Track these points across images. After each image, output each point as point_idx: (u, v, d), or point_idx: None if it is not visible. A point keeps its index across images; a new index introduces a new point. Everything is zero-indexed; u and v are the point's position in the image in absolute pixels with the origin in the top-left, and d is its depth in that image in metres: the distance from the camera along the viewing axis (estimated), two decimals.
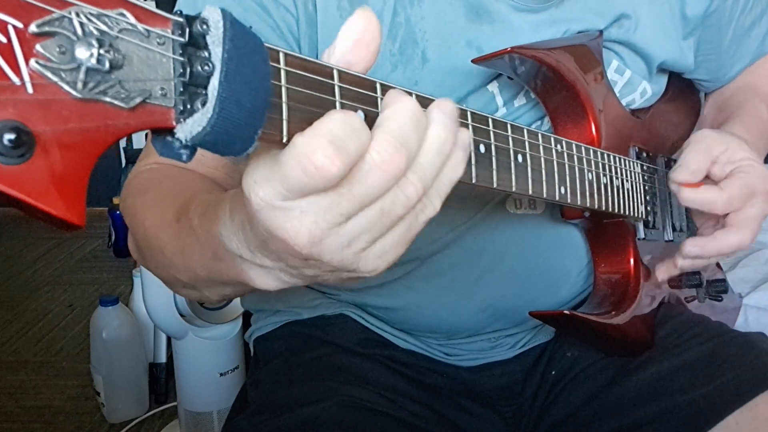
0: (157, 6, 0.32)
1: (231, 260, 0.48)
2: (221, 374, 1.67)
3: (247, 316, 1.57)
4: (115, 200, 3.06)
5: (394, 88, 0.43)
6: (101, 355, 1.92)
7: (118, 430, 1.96)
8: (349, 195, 0.38)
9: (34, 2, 0.27)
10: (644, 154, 0.85)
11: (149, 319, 1.70)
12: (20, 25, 0.27)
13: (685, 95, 1.00)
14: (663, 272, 0.82)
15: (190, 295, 0.64)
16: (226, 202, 0.48)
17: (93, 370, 1.97)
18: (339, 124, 0.36)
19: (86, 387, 2.13)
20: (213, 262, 0.52)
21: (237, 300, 1.67)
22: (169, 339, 1.95)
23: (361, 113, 0.41)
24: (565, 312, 0.75)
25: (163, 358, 2.02)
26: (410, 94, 0.43)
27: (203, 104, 0.32)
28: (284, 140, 0.36)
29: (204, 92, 0.32)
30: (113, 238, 3.18)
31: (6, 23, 0.27)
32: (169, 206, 0.60)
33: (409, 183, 0.40)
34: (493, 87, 0.77)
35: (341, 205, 0.38)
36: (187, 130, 0.32)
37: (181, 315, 1.60)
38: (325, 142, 0.35)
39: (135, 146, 2.86)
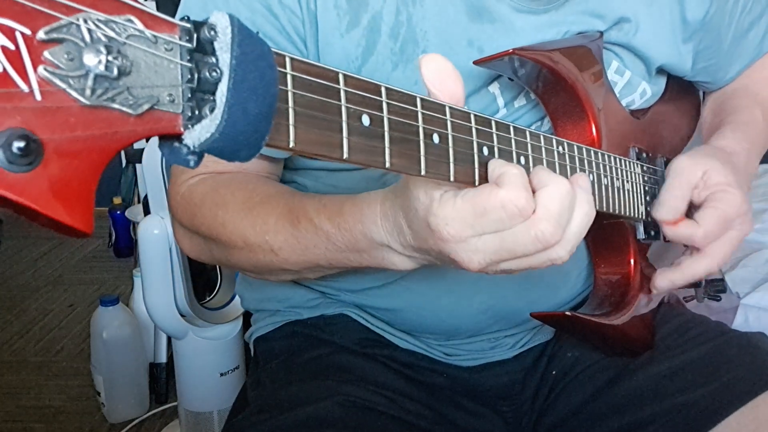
0: (158, 8, 0.32)
1: (373, 250, 0.60)
2: (221, 374, 1.66)
3: (247, 316, 1.57)
4: (116, 200, 3.06)
5: (400, 92, 0.43)
6: (102, 355, 1.93)
7: (119, 430, 1.96)
8: (512, 251, 0.51)
9: (42, 9, 0.27)
10: (644, 155, 0.85)
11: (149, 319, 1.69)
12: (28, 31, 0.27)
13: (683, 95, 1.00)
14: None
15: (284, 279, 0.77)
16: (373, 206, 0.59)
17: (93, 370, 1.97)
18: (520, 175, 0.50)
19: (87, 387, 2.13)
20: (343, 253, 0.63)
21: (237, 300, 1.67)
22: (169, 339, 1.95)
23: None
24: (567, 313, 0.75)
25: (163, 358, 2.02)
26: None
27: (211, 110, 0.32)
28: (291, 146, 0.36)
29: (212, 98, 0.32)
30: (113, 238, 3.18)
31: (14, 30, 0.27)
32: (269, 213, 0.67)
33: (557, 257, 0.54)
34: (495, 88, 0.77)
35: (503, 255, 0.51)
36: (195, 136, 0.32)
37: (182, 315, 1.60)
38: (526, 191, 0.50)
39: (135, 146, 2.86)
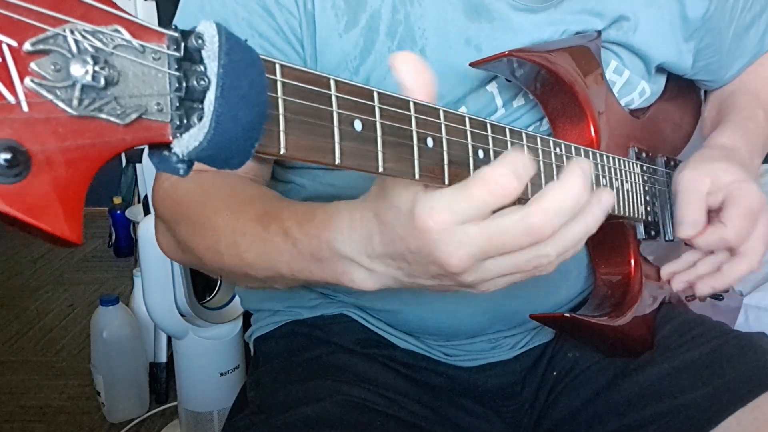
0: (158, 9, 0.32)
1: (334, 261, 0.56)
2: (221, 374, 1.67)
3: (247, 316, 1.58)
4: (116, 200, 3.06)
5: (393, 96, 0.43)
6: (102, 355, 1.93)
7: (119, 429, 1.96)
8: (499, 245, 0.48)
9: (29, 20, 0.27)
10: (644, 155, 0.85)
11: (149, 319, 1.70)
12: (14, 43, 0.27)
13: (684, 94, 0.99)
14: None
15: (251, 286, 0.73)
16: (342, 214, 0.56)
17: (93, 369, 1.97)
18: (519, 159, 0.46)
19: (87, 387, 2.13)
20: (306, 262, 0.59)
21: (237, 300, 1.67)
22: (169, 339, 1.95)
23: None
24: (566, 315, 0.75)
25: (163, 358, 2.02)
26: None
27: (200, 119, 0.32)
28: (282, 152, 0.36)
29: (200, 107, 0.32)
30: (113, 237, 3.18)
31: (0, 42, 0.27)
32: (241, 214, 0.66)
33: (545, 255, 0.50)
34: (493, 87, 0.77)
35: (489, 251, 0.48)
36: (183, 144, 0.32)
37: (182, 315, 1.60)
38: (509, 171, 0.45)
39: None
